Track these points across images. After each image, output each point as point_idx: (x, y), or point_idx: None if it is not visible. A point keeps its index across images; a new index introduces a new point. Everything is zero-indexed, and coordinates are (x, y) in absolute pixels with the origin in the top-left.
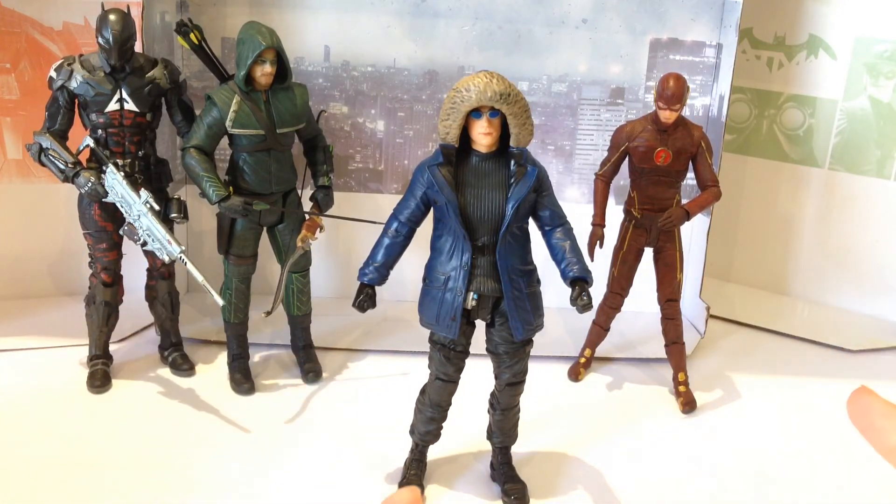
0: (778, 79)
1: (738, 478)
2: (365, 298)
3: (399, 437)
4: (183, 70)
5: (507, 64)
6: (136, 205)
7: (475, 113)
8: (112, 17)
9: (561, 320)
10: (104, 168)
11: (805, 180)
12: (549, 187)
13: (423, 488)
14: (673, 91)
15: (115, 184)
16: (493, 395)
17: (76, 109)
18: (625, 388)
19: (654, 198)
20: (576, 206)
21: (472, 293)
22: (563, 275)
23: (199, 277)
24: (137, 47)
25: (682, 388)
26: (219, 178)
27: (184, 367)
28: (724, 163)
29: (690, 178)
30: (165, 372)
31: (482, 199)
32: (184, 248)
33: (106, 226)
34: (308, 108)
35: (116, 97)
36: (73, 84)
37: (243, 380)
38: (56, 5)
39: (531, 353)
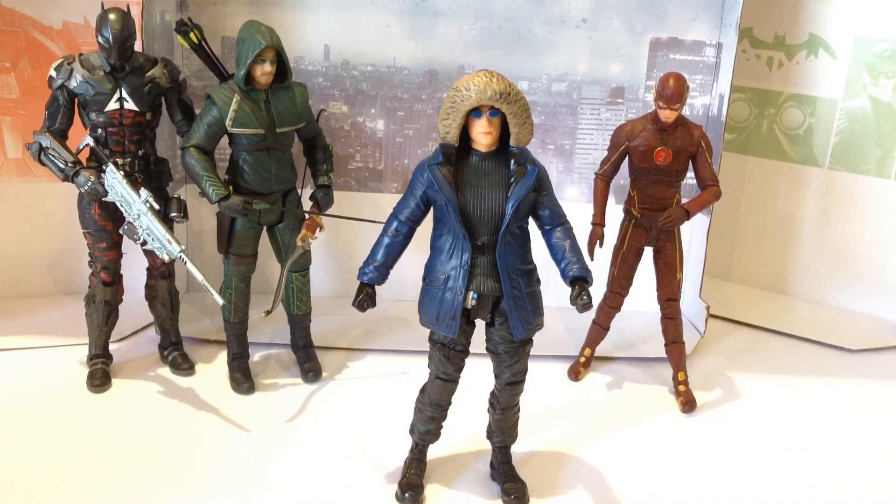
0: (778, 78)
1: (738, 477)
2: (365, 298)
3: (399, 437)
4: (183, 69)
5: (506, 63)
6: (135, 204)
7: (475, 112)
8: (112, 16)
9: (561, 320)
10: (104, 167)
11: (805, 180)
12: (548, 187)
13: (423, 488)
14: (673, 90)
15: (115, 183)
16: (492, 394)
17: (76, 108)
18: (625, 387)
19: (654, 197)
20: (576, 205)
21: (471, 292)
22: (563, 274)
23: (199, 277)
24: (137, 46)
25: (681, 388)
26: (218, 178)
27: (184, 366)
28: (724, 162)
29: (690, 178)
30: (165, 371)
31: (482, 198)
32: (183, 247)
33: (106, 225)
34: (308, 107)
35: (116, 96)
36: (73, 83)
37: (243, 379)
38: (56, 4)
39: (531, 353)
